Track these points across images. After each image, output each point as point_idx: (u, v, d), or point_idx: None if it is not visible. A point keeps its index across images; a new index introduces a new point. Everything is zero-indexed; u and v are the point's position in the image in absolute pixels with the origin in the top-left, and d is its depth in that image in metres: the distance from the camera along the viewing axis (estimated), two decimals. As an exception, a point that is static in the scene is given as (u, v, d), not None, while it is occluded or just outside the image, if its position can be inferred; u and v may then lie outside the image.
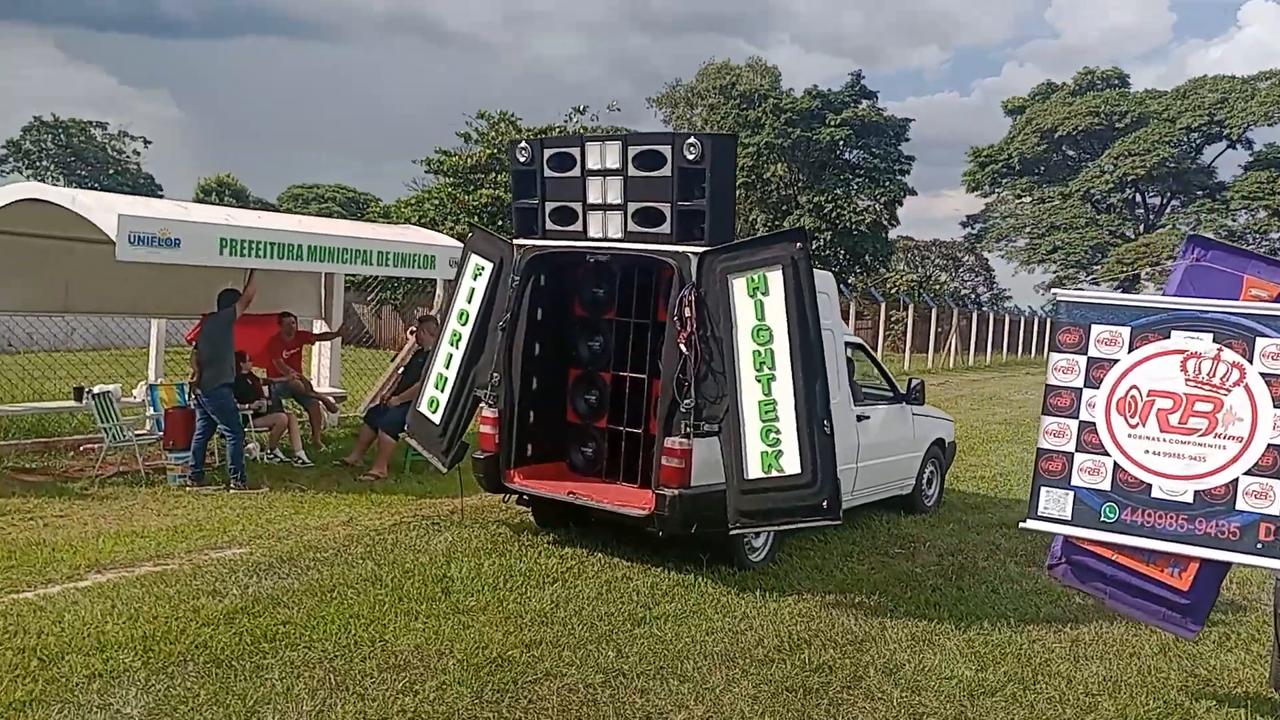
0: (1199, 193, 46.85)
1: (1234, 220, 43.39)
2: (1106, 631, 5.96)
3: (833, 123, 45.72)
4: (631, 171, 6.72)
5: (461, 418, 7.52)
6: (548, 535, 7.52)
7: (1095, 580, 4.90)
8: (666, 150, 6.54)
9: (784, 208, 47.63)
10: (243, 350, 10.66)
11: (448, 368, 7.63)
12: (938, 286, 48.37)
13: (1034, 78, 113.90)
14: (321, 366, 13.56)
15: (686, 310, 6.35)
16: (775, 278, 6.16)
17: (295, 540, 7.22)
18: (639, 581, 6.48)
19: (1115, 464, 4.80)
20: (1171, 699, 4.96)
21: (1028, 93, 52.15)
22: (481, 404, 7.35)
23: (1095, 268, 46.31)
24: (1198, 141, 46.43)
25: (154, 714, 4.27)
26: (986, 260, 53.05)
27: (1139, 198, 47.63)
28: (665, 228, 6.63)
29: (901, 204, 47.53)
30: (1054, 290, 4.91)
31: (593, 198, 6.93)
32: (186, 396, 10.92)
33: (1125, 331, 4.86)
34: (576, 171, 6.97)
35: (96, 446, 11.04)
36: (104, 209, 8.89)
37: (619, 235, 6.87)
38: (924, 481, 9.12)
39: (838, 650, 5.42)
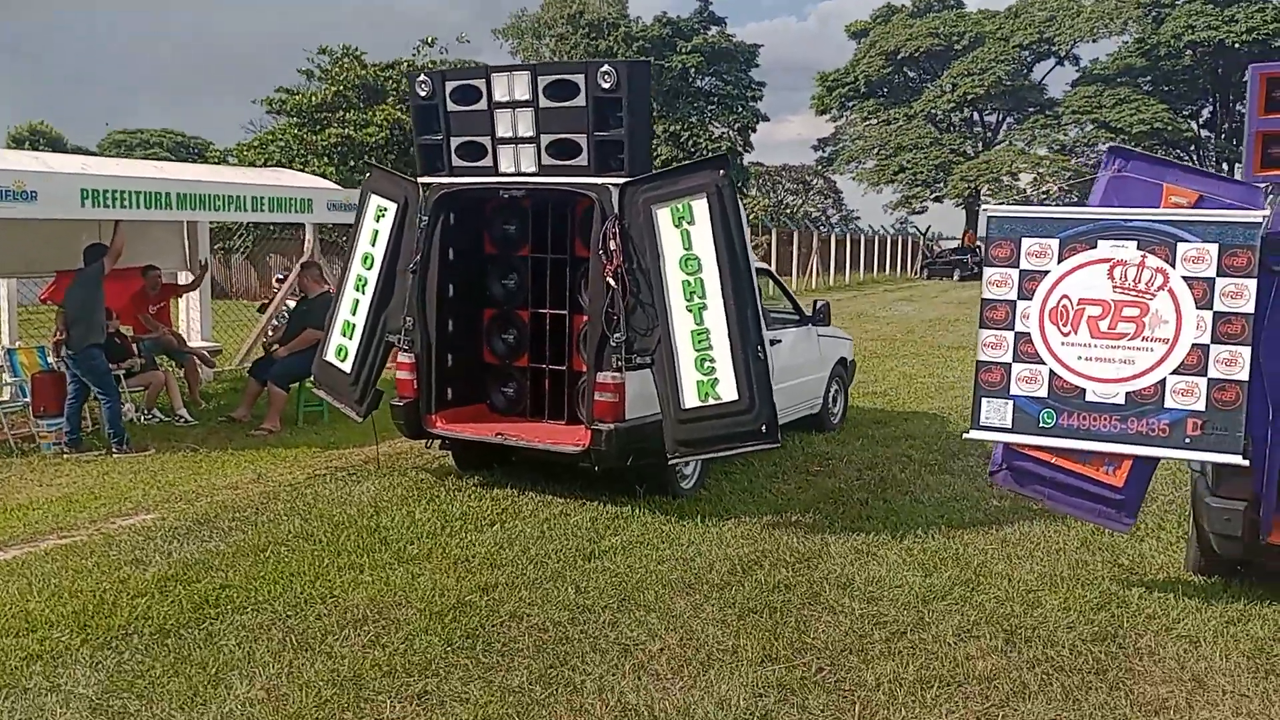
0: (1030, 109, 48.92)
1: (1065, 135, 45.58)
2: (1029, 532, 6.27)
3: (684, 50, 45.69)
4: (543, 103, 6.52)
5: (374, 365, 7.27)
6: (472, 479, 7.39)
7: (1034, 484, 5.13)
8: (580, 79, 6.37)
9: (639, 137, 47.50)
10: (108, 308, 10.02)
11: (354, 314, 7.34)
12: (790, 210, 49.32)
13: (870, 1, 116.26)
14: (191, 320, 12.90)
15: (611, 243, 6.26)
16: (700, 206, 6.12)
17: (208, 501, 6.89)
18: (577, 518, 6.46)
19: (1051, 371, 5.01)
20: (1105, 589, 5.27)
21: (869, 15, 53.23)
22: (396, 349, 7.12)
23: (939, 186, 48.03)
24: (1029, 60, 48.39)
25: (111, 691, 4.03)
26: (835, 183, 54.47)
27: (977, 116, 49.44)
28: (582, 159, 6.49)
29: (755, 130, 48.15)
30: (984, 207, 5.05)
31: (502, 131, 6.71)
32: (49, 359, 10.28)
33: (1054, 244, 5.04)
34: (483, 105, 6.73)
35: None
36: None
37: (533, 169, 6.69)
38: (830, 400, 9.35)
39: (788, 569, 5.54)
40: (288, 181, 11.43)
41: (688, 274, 6.15)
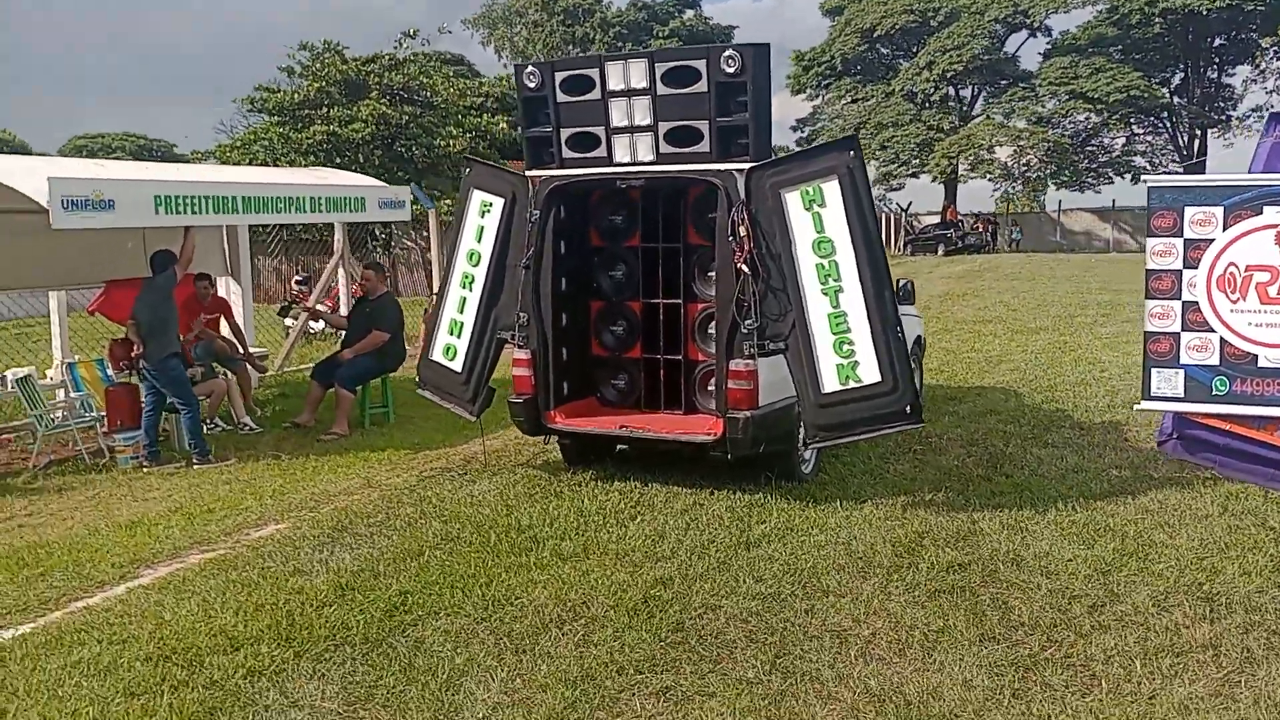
0: (1003, 82, 49.17)
1: (1043, 106, 45.84)
2: (1165, 500, 6.27)
3: (660, 34, 45.56)
4: (660, 90, 6.48)
5: (486, 362, 7.21)
6: (585, 473, 7.35)
7: (1206, 451, 5.20)
8: (701, 65, 6.34)
9: (619, 124, 47.35)
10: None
11: (462, 311, 7.28)
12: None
13: None
14: (221, 327, 12.72)
15: (741, 229, 6.23)
16: (831, 188, 6.11)
17: (331, 509, 6.81)
18: (713, 508, 6.44)
19: (1221, 339, 5.06)
20: (1273, 553, 5.33)
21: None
22: (511, 345, 7.06)
23: (918, 163, 48.18)
24: (1003, 33, 48.55)
25: (354, 703, 3.99)
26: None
27: (952, 91, 49.60)
28: (703, 146, 6.46)
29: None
30: (1144, 177, 5.08)
31: (617, 120, 6.66)
32: (109, 371, 10.14)
33: (1219, 211, 5.08)
34: (595, 94, 6.67)
35: (10, 437, 10.11)
36: (25, 172, 8.01)
37: (650, 158, 6.64)
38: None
39: (952, 548, 5.56)
40: (338, 180, 11.28)
41: (821, 257, 6.14)
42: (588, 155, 6.82)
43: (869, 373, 6.04)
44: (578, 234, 7.29)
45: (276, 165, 30.18)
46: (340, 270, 14.63)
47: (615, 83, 6.59)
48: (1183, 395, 5.11)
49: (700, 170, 6.48)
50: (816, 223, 6.14)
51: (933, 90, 47.64)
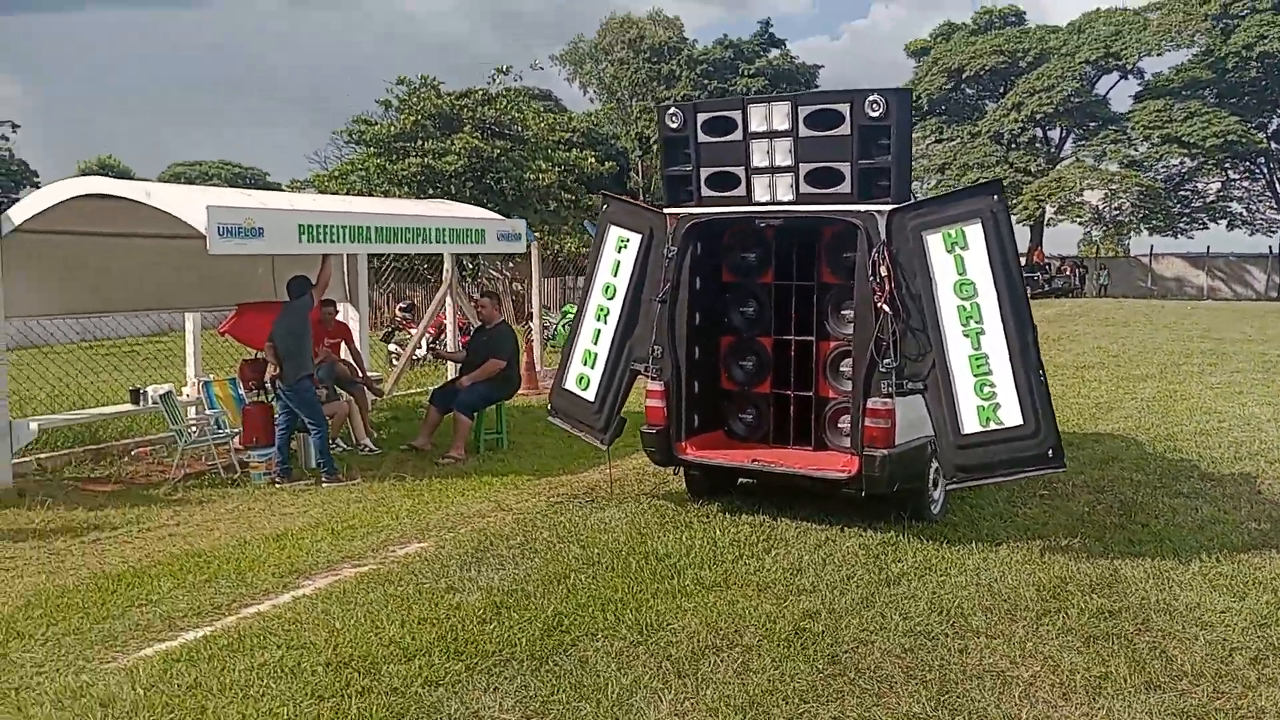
0: (1093, 124, 48.55)
1: (1135, 150, 45.14)
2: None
3: (746, 72, 45.96)
4: (803, 132, 6.64)
5: (619, 392, 7.38)
6: (711, 504, 7.46)
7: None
8: (845, 109, 6.48)
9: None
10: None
11: (596, 343, 7.47)
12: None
13: (897, 17, 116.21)
14: (341, 351, 13.13)
15: (883, 269, 6.33)
16: (974, 231, 6.18)
17: (470, 530, 7.03)
18: (846, 544, 6.49)
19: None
20: None
21: (928, 34, 53.23)
22: (645, 377, 7.22)
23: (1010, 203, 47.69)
24: (1092, 74, 48.02)
25: (531, 716, 4.14)
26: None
27: (1040, 133, 49.11)
28: (844, 187, 6.58)
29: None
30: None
31: (757, 161, 6.83)
32: (240, 390, 10.53)
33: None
34: (737, 135, 6.85)
35: (148, 449, 10.57)
36: (185, 202, 8.46)
37: (790, 198, 6.79)
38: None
39: (1098, 595, 5.54)
40: (459, 213, 11.64)
41: (963, 299, 6.20)
42: (726, 194, 6.99)
43: (1010, 415, 6.07)
44: (712, 270, 7.45)
45: (372, 195, 31.02)
46: (448, 300, 15.02)
47: (758, 124, 6.77)
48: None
49: (841, 211, 6.60)
50: (959, 265, 6.22)
51: (1020, 131, 47.19)
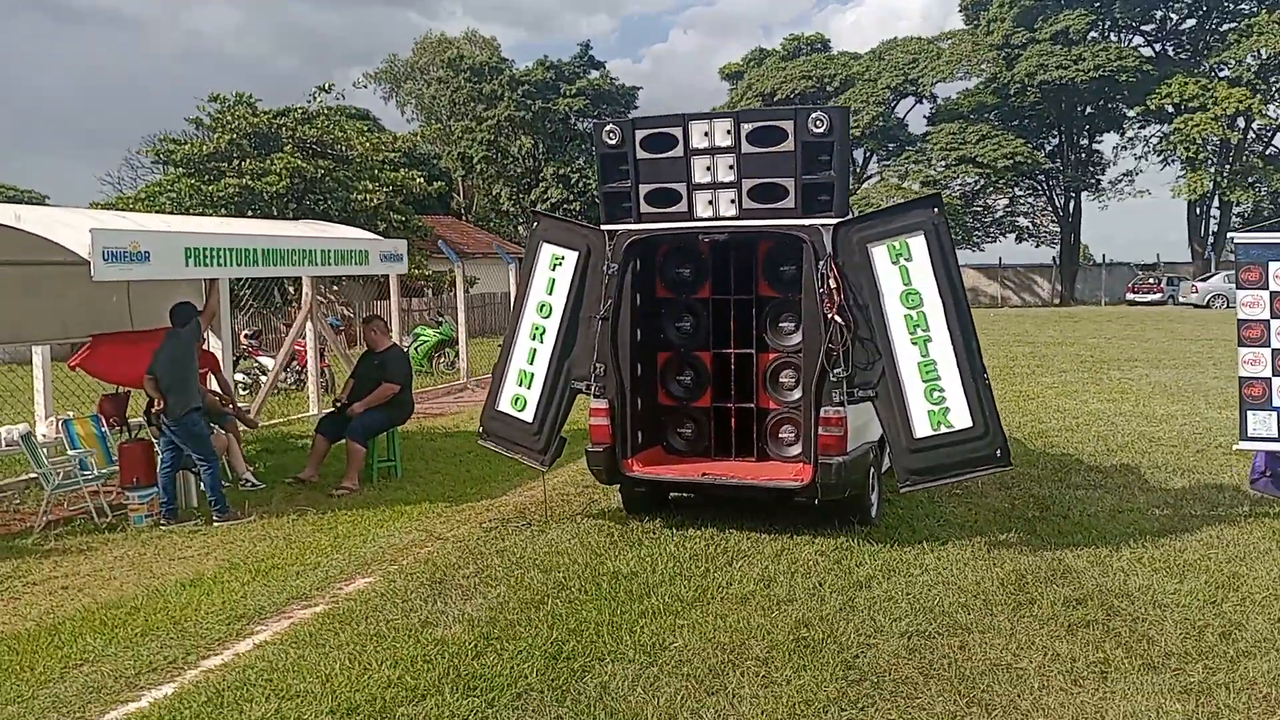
0: (891, 145, 51.52)
1: (933, 169, 48.15)
2: (1220, 536, 6.75)
3: (568, 93, 46.20)
4: (745, 148, 6.73)
5: (559, 413, 7.25)
6: (653, 521, 7.42)
7: (1294, 486, 5.61)
8: (788, 125, 6.61)
9: (527, 180, 47.69)
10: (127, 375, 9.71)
11: (532, 363, 7.32)
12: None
13: (696, 44, 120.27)
14: (209, 381, 12.34)
15: (832, 281, 6.49)
16: (918, 243, 6.43)
17: (413, 560, 6.74)
18: (803, 552, 6.60)
19: (1309, 383, 5.52)
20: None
21: (740, 59, 55.22)
22: (588, 395, 7.13)
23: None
24: (892, 99, 50.96)
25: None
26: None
27: (846, 153, 51.66)
28: (788, 202, 6.71)
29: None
30: (1230, 234, 5.52)
31: (699, 177, 6.88)
32: (102, 428, 9.76)
33: (1301, 267, 5.57)
34: (678, 151, 6.88)
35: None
36: (62, 225, 7.77)
37: (733, 213, 6.87)
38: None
39: (1056, 584, 5.85)
40: (337, 233, 11.17)
41: (909, 308, 6.44)
42: (667, 210, 7.00)
43: (960, 418, 6.33)
44: (648, 286, 7.43)
45: (188, 216, 29.31)
46: (309, 326, 14.37)
47: (699, 140, 6.82)
48: (1277, 435, 5.55)
49: (786, 225, 6.72)
50: (904, 275, 6.45)
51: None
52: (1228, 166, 46.44)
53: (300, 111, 34.52)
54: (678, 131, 6.86)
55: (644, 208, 7.04)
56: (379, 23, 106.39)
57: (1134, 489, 8.20)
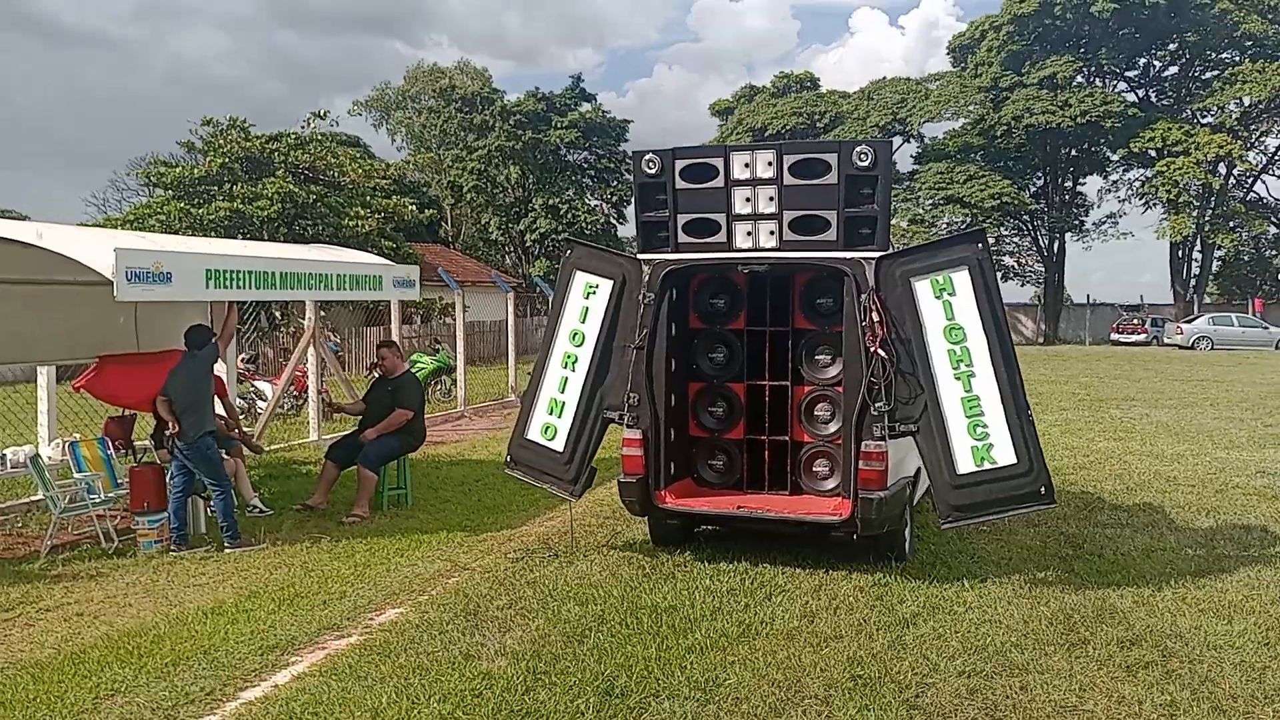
0: (878, 184, 51.96)
1: (920, 207, 48.56)
2: (1256, 576, 6.73)
3: (559, 125, 46.31)
4: (788, 180, 6.70)
5: (590, 442, 7.15)
6: (683, 554, 7.31)
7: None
8: (832, 158, 6.59)
9: (516, 210, 47.67)
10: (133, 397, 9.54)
11: (563, 391, 7.22)
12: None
13: (680, 79, 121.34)
14: (215, 405, 12.16)
15: (875, 315, 6.44)
16: (961, 278, 6.41)
17: (442, 591, 6.61)
18: (841, 587, 6.51)
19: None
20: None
21: (731, 95, 55.73)
22: (622, 426, 7.03)
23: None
24: (880, 138, 51.44)
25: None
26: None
27: (833, 190, 52.02)
28: (830, 234, 6.68)
29: (629, 203, 49.09)
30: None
31: (739, 208, 6.84)
32: (109, 450, 9.59)
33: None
34: (719, 182, 6.85)
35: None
36: (85, 244, 7.65)
37: (773, 244, 6.83)
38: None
39: (1106, 624, 5.78)
40: (348, 257, 11.07)
41: (953, 343, 6.40)
42: (704, 240, 6.95)
43: (1004, 454, 6.28)
44: (681, 316, 7.36)
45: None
46: (311, 351, 14.22)
47: (740, 171, 6.79)
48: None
49: (828, 258, 6.68)
50: (947, 310, 6.41)
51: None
52: (1210, 210, 47.02)
53: (294, 136, 34.48)
54: (719, 162, 6.83)
55: (682, 237, 6.99)
56: (365, 51, 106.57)
57: (1162, 528, 8.17)
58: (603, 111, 47.91)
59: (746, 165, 6.78)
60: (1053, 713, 4.62)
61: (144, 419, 10.91)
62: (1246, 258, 52.43)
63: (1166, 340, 41.98)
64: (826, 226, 6.67)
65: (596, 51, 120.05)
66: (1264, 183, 50.95)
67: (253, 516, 9.50)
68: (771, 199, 6.76)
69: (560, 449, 7.19)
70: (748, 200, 6.81)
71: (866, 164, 6.51)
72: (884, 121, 49.09)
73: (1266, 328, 40.83)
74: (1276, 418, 16.03)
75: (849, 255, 6.61)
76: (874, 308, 6.45)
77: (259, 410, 15.55)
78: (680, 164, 6.91)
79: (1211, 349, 38.43)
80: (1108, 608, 6.09)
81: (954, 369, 6.38)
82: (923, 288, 6.45)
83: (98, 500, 8.89)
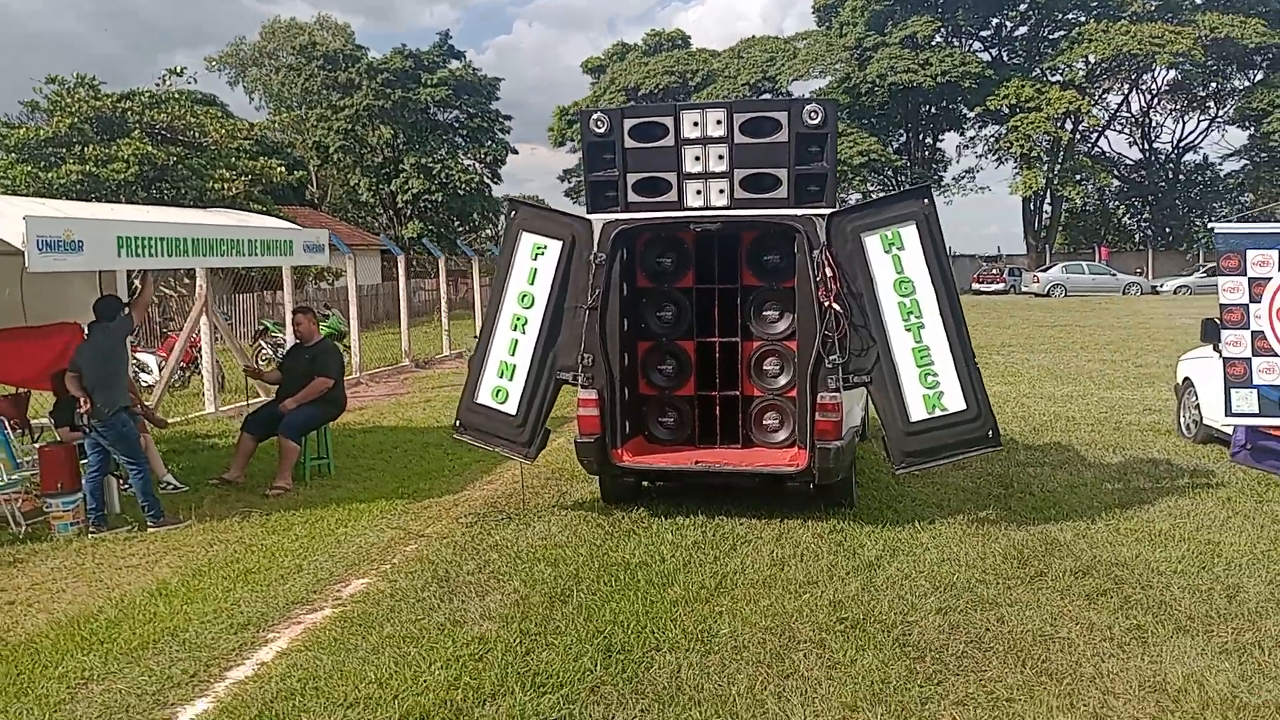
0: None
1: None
2: (1173, 506, 7.21)
3: (429, 83, 45.19)
4: (738, 138, 6.76)
5: (543, 404, 7.12)
6: (638, 510, 7.38)
7: (1271, 459, 6.04)
8: (783, 117, 6.67)
9: (386, 171, 46.42)
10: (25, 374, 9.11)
11: (514, 354, 7.15)
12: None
13: (541, 36, 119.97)
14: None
15: (828, 270, 6.59)
16: (909, 232, 6.61)
17: (404, 559, 6.52)
18: (800, 535, 6.70)
19: (1284, 362, 5.95)
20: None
21: (602, 53, 55.38)
22: (576, 387, 7.01)
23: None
24: (751, 96, 52.06)
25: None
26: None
27: (704, 148, 52.54)
28: (781, 192, 6.78)
29: (504, 163, 48.48)
30: (1212, 226, 5.94)
31: (690, 166, 6.86)
32: (5, 433, 9.03)
33: (1275, 254, 6.00)
34: (669, 141, 6.85)
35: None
36: (-8, 210, 7.13)
37: (724, 203, 6.89)
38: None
39: (1056, 557, 6.13)
40: (257, 222, 10.62)
41: (902, 296, 6.61)
42: (654, 199, 6.96)
43: (954, 401, 6.54)
44: (631, 275, 7.37)
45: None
46: (204, 319, 13.64)
47: (690, 130, 6.80)
48: (1258, 411, 5.97)
49: (779, 215, 6.78)
50: (896, 264, 6.61)
51: (691, 147, 50.15)
52: (1058, 164, 49.43)
53: (148, 95, 32.68)
54: (669, 121, 6.83)
55: (631, 197, 6.98)
56: (209, 6, 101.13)
57: (1077, 465, 8.66)
58: (473, 69, 46.96)
59: (696, 124, 6.80)
60: (1034, 642, 4.88)
61: (39, 397, 10.31)
62: (1091, 209, 55.41)
63: (1024, 289, 44.09)
64: (777, 184, 6.76)
65: (452, 8, 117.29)
66: (1107, 138, 53.88)
67: (168, 493, 9.10)
68: (721, 157, 6.81)
69: (513, 412, 7.13)
70: (698, 159, 6.84)
71: (816, 122, 6.62)
72: (754, 80, 49.73)
73: (1115, 275, 43.37)
74: (1145, 358, 17.10)
75: (800, 212, 6.72)
76: (826, 263, 6.59)
77: (144, 382, 14.84)
78: (629, 123, 6.88)
79: (1065, 296, 40.59)
80: (1051, 540, 6.45)
81: (904, 321, 6.59)
82: (873, 243, 6.63)
83: (9, 482, 8.38)
